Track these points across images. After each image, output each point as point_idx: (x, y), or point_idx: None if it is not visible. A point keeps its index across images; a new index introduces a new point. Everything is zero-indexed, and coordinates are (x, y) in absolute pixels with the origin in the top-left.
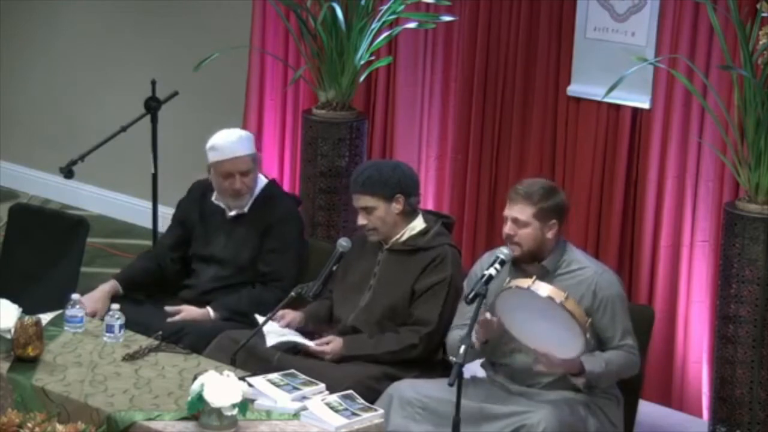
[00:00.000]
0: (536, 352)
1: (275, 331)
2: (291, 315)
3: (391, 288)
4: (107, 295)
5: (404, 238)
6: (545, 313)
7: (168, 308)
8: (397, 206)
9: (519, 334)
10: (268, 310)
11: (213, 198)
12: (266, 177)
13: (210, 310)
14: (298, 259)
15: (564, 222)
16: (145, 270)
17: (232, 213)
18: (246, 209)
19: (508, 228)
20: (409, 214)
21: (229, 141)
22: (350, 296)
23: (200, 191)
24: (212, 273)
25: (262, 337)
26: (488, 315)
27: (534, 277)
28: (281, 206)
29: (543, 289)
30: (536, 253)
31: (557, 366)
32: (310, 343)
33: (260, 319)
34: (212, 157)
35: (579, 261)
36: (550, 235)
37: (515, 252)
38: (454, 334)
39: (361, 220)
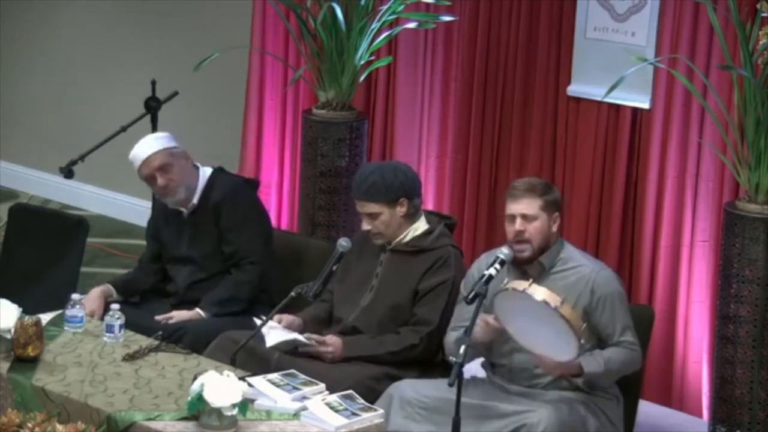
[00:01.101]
0: (533, 354)
1: (274, 329)
2: (289, 319)
3: (393, 288)
4: (102, 296)
5: (407, 239)
6: (540, 317)
7: (158, 317)
8: (401, 209)
9: (516, 335)
10: (251, 288)
11: (169, 204)
12: (211, 167)
13: (200, 311)
14: (260, 232)
15: (562, 218)
16: (136, 278)
17: (186, 211)
18: (195, 201)
19: (518, 224)
20: (412, 216)
21: (137, 148)
22: (351, 296)
23: (161, 203)
24: (187, 273)
25: (262, 338)
26: (491, 319)
27: (531, 280)
28: (224, 187)
29: (539, 292)
30: (543, 249)
31: (555, 368)
32: (311, 342)
33: (259, 321)
34: (136, 170)
35: (576, 259)
36: (554, 228)
37: (525, 252)
38: (451, 335)
39: (366, 225)
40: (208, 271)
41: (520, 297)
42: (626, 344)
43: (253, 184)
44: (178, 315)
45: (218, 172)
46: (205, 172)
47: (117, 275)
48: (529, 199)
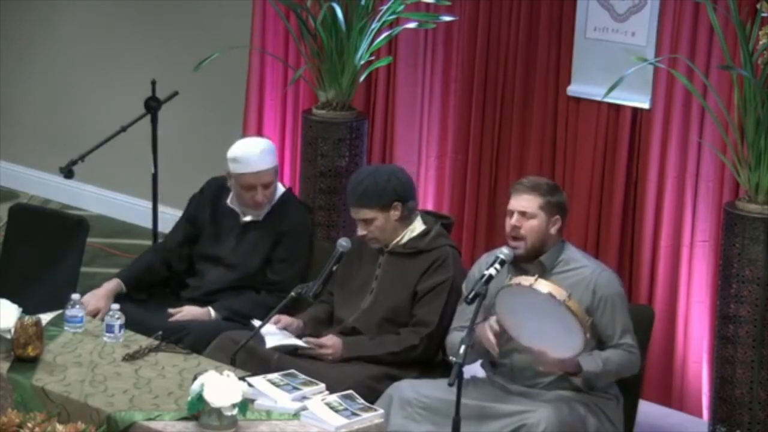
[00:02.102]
0: (532, 351)
1: (274, 334)
2: (288, 320)
3: (393, 290)
4: (111, 294)
5: (404, 240)
6: (545, 312)
7: (171, 310)
8: (395, 213)
9: (516, 334)
10: (267, 313)
11: (228, 200)
12: (283, 185)
13: (211, 310)
14: (305, 269)
15: (565, 222)
16: (149, 267)
17: (247, 218)
18: (260, 217)
19: (514, 220)
20: (407, 218)
21: (253, 154)
22: (352, 299)
23: (215, 190)
24: (218, 275)
25: (262, 339)
26: (493, 322)
27: (536, 276)
28: (295, 216)
29: (544, 286)
30: (539, 249)
31: (553, 365)
32: (310, 346)
33: (258, 322)
34: (235, 168)
35: (577, 260)
36: (553, 231)
37: (519, 249)
38: (454, 336)
39: (361, 231)
40: (239, 282)
41: (525, 292)
42: (626, 347)
43: (310, 211)
44: (189, 310)
45: (288, 192)
46: (278, 189)
47: (127, 265)
48: (530, 197)
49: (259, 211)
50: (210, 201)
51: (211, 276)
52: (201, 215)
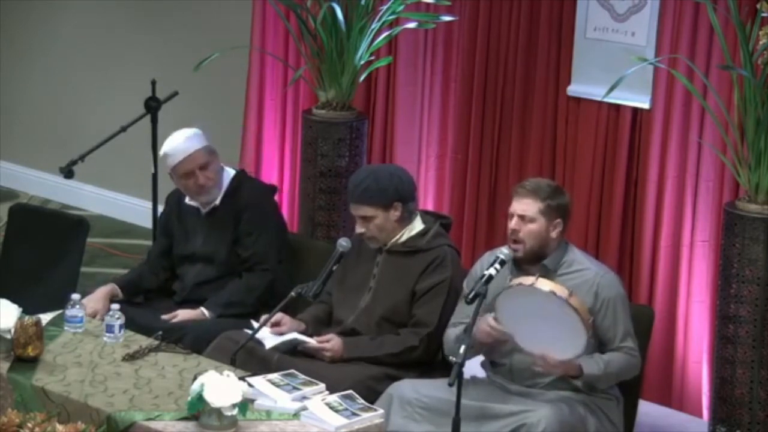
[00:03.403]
0: (533, 354)
1: (271, 337)
2: (289, 324)
3: (391, 289)
4: (107, 296)
5: (403, 239)
6: (547, 311)
7: (164, 317)
8: (395, 213)
9: (518, 336)
10: (259, 294)
11: (187, 200)
12: (233, 168)
13: (204, 311)
14: (277, 240)
15: (567, 224)
16: (140, 275)
17: (206, 209)
18: (218, 202)
19: (513, 223)
20: (406, 219)
21: (178, 142)
22: (350, 298)
23: (175, 198)
24: (196, 271)
25: (261, 343)
26: (491, 320)
27: (537, 275)
28: (249, 191)
29: (546, 284)
30: (539, 252)
31: (554, 367)
32: (311, 340)
33: (256, 323)
34: (170, 163)
35: (580, 262)
36: (554, 234)
37: (518, 252)
38: (451, 332)
39: (359, 228)
40: (218, 272)
41: (527, 292)
42: (627, 350)
43: (274, 191)
44: (183, 314)
45: (241, 174)
46: (229, 173)
47: (122, 273)
48: (530, 200)
49: (209, 196)
50: (174, 209)
51: (191, 274)
52: (170, 224)
